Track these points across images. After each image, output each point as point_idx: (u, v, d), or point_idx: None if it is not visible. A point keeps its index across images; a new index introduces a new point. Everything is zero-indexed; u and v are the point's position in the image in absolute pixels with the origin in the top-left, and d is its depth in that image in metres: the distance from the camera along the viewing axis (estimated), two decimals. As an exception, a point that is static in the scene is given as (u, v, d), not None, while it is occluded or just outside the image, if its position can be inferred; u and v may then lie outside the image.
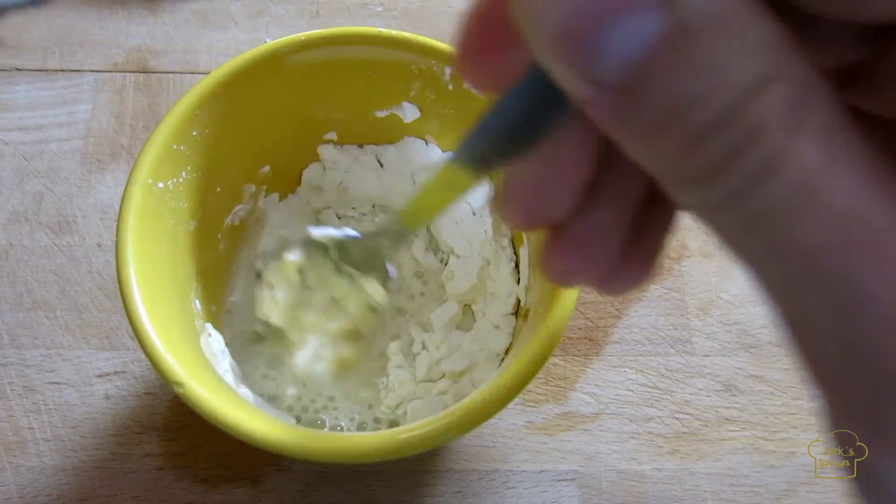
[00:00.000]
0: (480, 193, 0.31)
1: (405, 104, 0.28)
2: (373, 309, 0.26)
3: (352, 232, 0.25)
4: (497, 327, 0.29)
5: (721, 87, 0.09)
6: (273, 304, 0.26)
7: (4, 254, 0.34)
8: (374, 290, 0.26)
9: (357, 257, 0.26)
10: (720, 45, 0.09)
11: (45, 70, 0.38)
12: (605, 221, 0.14)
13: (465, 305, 0.31)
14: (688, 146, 0.10)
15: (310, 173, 0.31)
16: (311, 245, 0.26)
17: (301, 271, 0.26)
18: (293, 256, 0.26)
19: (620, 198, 0.14)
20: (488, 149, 0.14)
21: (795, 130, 0.09)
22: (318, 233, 0.26)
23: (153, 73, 0.38)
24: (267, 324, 0.27)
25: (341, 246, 0.26)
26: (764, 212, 0.10)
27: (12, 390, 0.31)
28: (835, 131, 0.10)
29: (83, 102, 0.37)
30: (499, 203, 0.14)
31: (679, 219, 0.15)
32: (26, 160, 0.35)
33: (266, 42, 0.26)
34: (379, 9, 0.40)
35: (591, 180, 0.13)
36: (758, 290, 0.11)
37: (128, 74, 0.38)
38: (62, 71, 0.38)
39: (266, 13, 0.39)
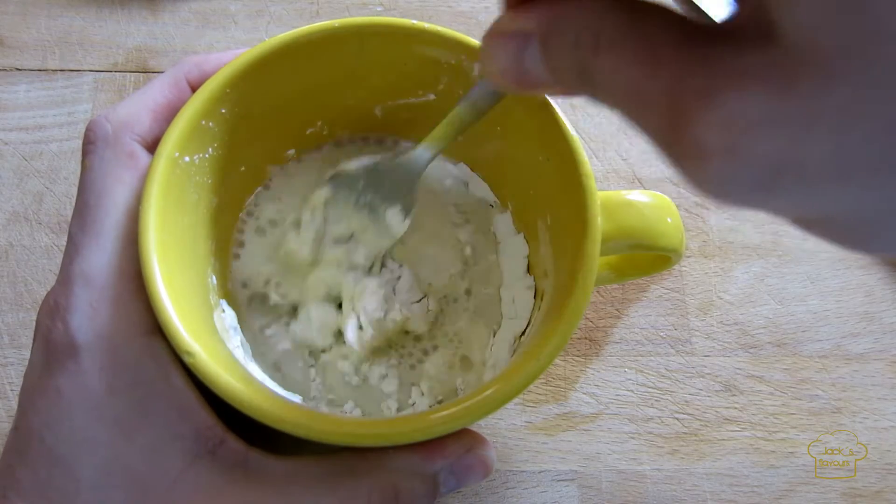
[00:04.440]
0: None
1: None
2: (390, 239, 0.28)
3: (380, 160, 0.28)
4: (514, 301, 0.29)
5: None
6: (300, 241, 0.28)
7: (4, 254, 0.34)
8: (394, 219, 0.28)
9: (385, 186, 0.28)
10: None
11: (45, 70, 0.38)
12: None
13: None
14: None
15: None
16: (340, 178, 0.28)
17: (327, 205, 0.28)
18: (322, 193, 0.28)
19: None
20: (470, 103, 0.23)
21: None
22: (350, 165, 0.28)
23: (153, 72, 0.38)
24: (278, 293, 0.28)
25: (371, 174, 0.28)
26: None
27: (12, 390, 0.31)
28: None
29: (83, 102, 0.37)
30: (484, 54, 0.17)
31: None
32: (26, 160, 0.35)
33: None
34: (379, 9, 0.40)
35: None
36: None
37: (128, 74, 0.38)
38: (62, 71, 0.38)
39: (266, 13, 0.39)
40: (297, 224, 0.29)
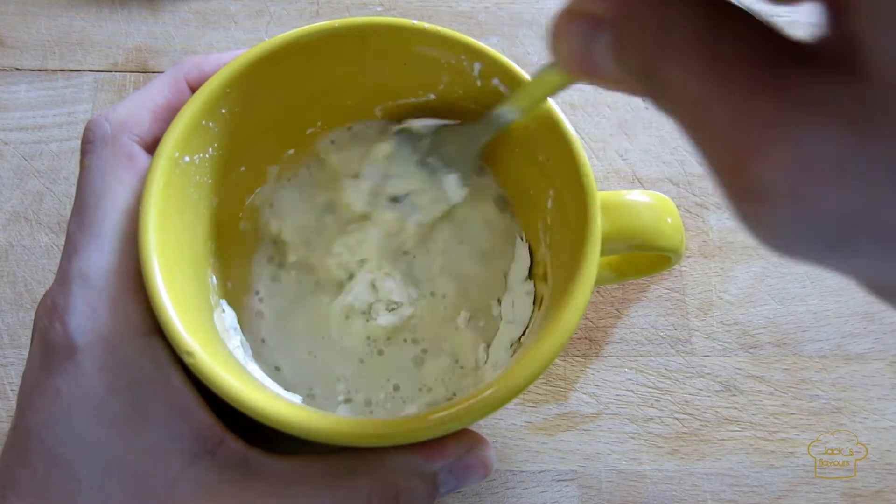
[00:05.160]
0: None
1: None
2: (445, 204, 0.29)
3: (446, 122, 0.28)
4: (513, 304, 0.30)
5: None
6: (356, 193, 0.29)
7: (4, 254, 0.34)
8: (451, 185, 0.28)
9: (449, 150, 0.28)
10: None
11: (45, 70, 0.38)
12: None
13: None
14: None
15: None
16: (405, 134, 0.28)
17: (388, 160, 0.29)
18: (384, 146, 0.29)
19: None
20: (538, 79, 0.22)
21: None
22: (416, 123, 0.28)
23: (153, 72, 0.38)
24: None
25: (437, 134, 0.28)
26: None
27: (12, 390, 0.31)
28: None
29: (83, 102, 0.37)
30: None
31: None
32: (26, 160, 0.35)
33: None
34: (379, 9, 0.40)
35: None
36: None
37: (128, 74, 0.38)
38: (62, 71, 0.38)
39: (266, 13, 0.39)
40: (356, 176, 0.29)
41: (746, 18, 0.12)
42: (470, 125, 0.27)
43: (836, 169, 0.10)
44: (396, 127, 0.29)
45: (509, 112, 0.25)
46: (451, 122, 0.28)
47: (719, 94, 0.11)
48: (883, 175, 0.10)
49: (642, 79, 0.13)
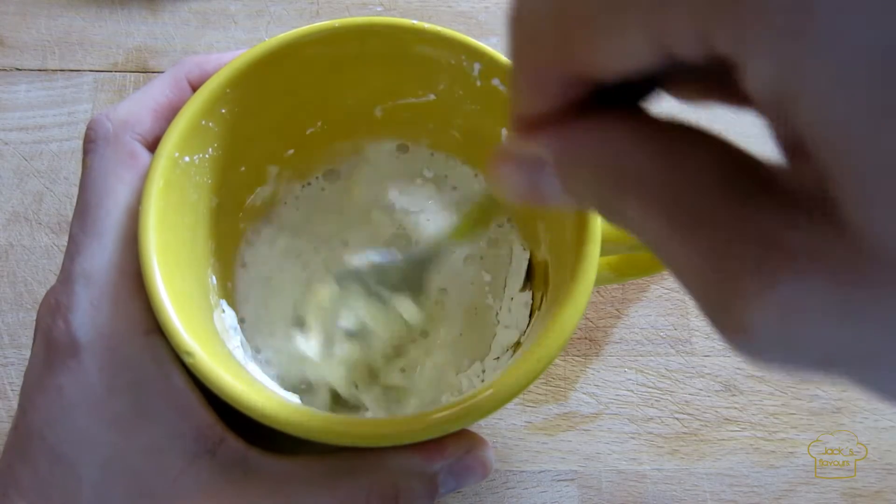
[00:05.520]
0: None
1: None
2: (405, 326, 0.28)
3: (389, 255, 0.27)
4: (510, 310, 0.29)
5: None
6: (306, 345, 0.28)
7: (4, 254, 0.34)
8: (407, 309, 0.27)
9: (393, 278, 0.27)
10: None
11: (45, 70, 0.38)
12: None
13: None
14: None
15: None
16: (346, 275, 0.28)
17: (334, 300, 0.28)
18: (328, 289, 0.28)
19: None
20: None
21: None
22: (355, 261, 0.27)
23: (153, 72, 0.38)
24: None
25: (379, 270, 0.27)
26: None
27: (13, 390, 0.31)
28: None
29: (83, 102, 0.37)
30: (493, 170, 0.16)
31: None
32: (26, 160, 0.35)
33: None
34: (378, 9, 0.40)
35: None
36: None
37: (128, 74, 0.38)
38: (62, 71, 0.38)
39: (266, 13, 0.39)
40: (301, 323, 0.28)
41: (700, 143, 0.12)
42: (411, 257, 0.27)
43: (822, 315, 0.10)
44: (336, 270, 0.28)
45: (452, 244, 0.25)
46: (391, 259, 0.27)
47: (694, 239, 0.11)
48: (869, 321, 0.10)
49: (600, 212, 0.13)
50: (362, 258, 0.27)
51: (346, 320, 0.28)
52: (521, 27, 0.13)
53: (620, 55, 0.11)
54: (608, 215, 0.13)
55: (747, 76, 0.10)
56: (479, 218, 0.23)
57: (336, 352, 0.28)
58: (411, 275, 0.27)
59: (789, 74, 0.09)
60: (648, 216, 0.12)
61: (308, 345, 0.28)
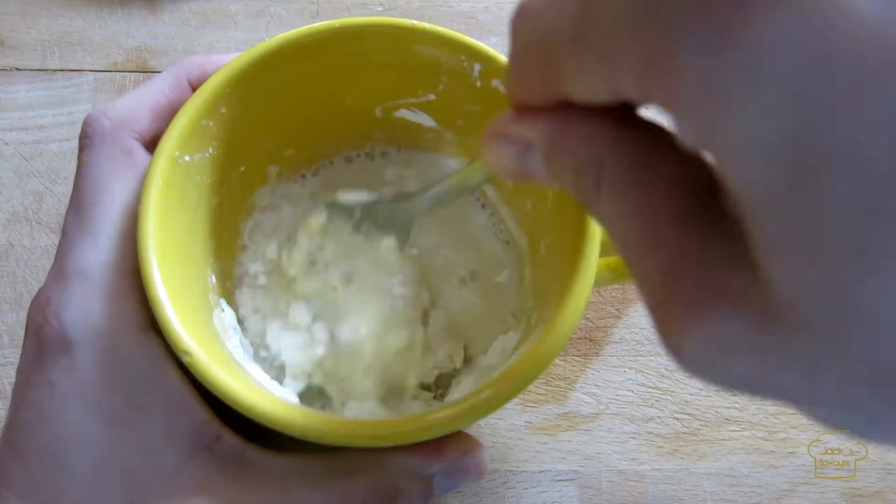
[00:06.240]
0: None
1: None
2: (387, 273, 0.28)
3: (379, 196, 0.28)
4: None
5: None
6: (288, 260, 0.29)
7: (4, 254, 0.34)
8: (389, 247, 0.28)
9: (382, 219, 0.28)
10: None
11: (45, 70, 0.38)
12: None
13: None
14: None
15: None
16: (336, 207, 0.28)
17: (323, 232, 0.29)
18: (317, 219, 0.28)
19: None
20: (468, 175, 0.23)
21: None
22: (347, 197, 0.28)
23: (153, 72, 0.38)
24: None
25: (368, 209, 0.28)
26: None
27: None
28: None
29: (83, 102, 0.37)
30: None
31: None
32: (26, 160, 0.35)
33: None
34: (379, 8, 0.40)
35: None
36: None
37: (128, 74, 0.38)
38: (62, 71, 0.38)
39: (266, 13, 0.39)
40: (291, 242, 0.29)
41: (679, 158, 0.13)
42: (399, 203, 0.27)
43: (739, 350, 0.12)
44: (327, 199, 0.29)
45: (438, 196, 0.25)
46: (382, 198, 0.28)
47: (651, 254, 0.13)
48: (777, 360, 0.11)
49: (579, 198, 0.14)
50: (352, 195, 0.28)
51: (330, 252, 0.28)
52: (515, 46, 0.14)
53: (586, 93, 0.13)
54: (584, 206, 0.14)
55: (678, 129, 0.11)
56: (463, 183, 0.23)
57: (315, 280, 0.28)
58: (398, 220, 0.27)
59: (706, 140, 0.11)
60: (618, 220, 0.13)
61: (290, 261, 0.28)
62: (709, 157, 0.11)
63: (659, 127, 0.14)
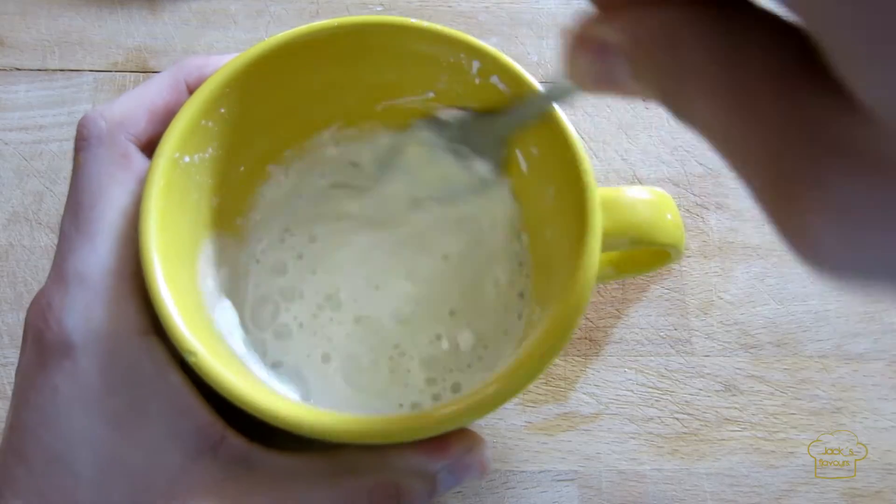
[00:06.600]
0: None
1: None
2: (482, 184, 0.29)
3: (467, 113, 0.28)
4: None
5: None
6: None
7: (4, 254, 0.34)
8: (483, 169, 0.28)
9: (476, 138, 0.28)
10: None
11: (45, 70, 0.38)
12: None
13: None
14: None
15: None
16: (430, 123, 0.29)
17: (418, 146, 0.29)
18: (411, 135, 0.29)
19: None
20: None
21: None
22: (444, 113, 0.28)
23: (153, 72, 0.38)
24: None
25: (464, 124, 0.28)
26: None
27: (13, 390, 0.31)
28: None
29: (83, 102, 0.37)
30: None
31: None
32: (26, 160, 0.35)
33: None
34: (378, 8, 0.40)
35: None
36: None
37: (128, 74, 0.38)
38: (62, 71, 0.38)
39: (266, 13, 0.39)
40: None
41: (763, 29, 0.12)
42: (497, 115, 0.27)
43: (877, 214, 0.10)
44: (420, 120, 0.29)
45: (539, 104, 0.25)
46: (480, 112, 0.28)
47: (753, 132, 0.11)
48: None
49: (665, 102, 0.13)
50: (446, 112, 0.28)
51: (426, 170, 0.29)
52: None
53: None
54: (672, 105, 0.13)
55: None
56: (555, 93, 0.24)
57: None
58: (492, 138, 0.27)
59: None
60: (710, 107, 0.12)
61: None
62: (795, 19, 0.10)
63: (742, 3, 0.13)
